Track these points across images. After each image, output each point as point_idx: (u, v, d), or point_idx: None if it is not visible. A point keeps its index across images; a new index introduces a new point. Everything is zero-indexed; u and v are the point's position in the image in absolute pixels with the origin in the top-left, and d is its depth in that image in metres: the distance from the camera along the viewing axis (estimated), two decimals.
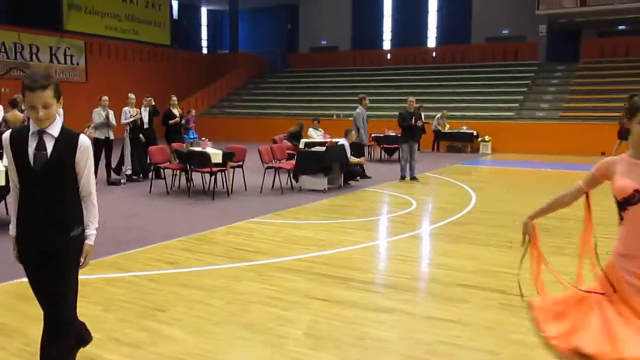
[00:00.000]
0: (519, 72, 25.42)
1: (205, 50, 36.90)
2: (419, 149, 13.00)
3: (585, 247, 2.80)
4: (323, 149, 11.15)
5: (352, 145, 11.59)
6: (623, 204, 2.57)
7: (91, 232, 2.90)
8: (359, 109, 12.82)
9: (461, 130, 20.82)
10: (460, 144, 21.03)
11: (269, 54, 34.10)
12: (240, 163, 10.68)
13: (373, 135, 17.16)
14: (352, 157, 11.44)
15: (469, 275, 5.41)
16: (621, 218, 2.62)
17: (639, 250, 2.55)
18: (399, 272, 5.58)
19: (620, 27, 28.40)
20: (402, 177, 12.35)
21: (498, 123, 21.68)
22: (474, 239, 6.92)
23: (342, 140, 11.62)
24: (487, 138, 20.50)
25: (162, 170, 11.38)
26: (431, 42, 32.70)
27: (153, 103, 12.29)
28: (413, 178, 12.38)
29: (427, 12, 32.93)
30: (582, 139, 19.73)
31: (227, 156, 10.19)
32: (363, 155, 12.76)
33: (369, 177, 12.42)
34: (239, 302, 4.62)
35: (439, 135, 20.97)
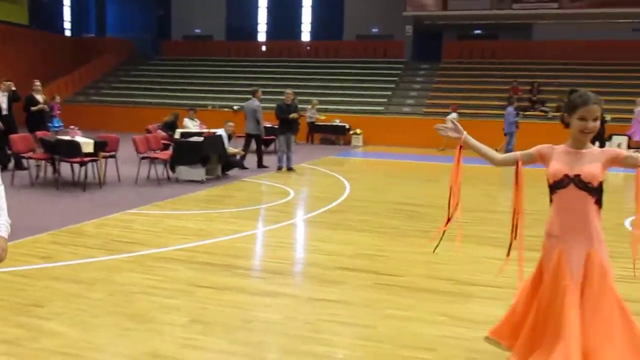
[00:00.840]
0: (387, 70, 26.76)
1: (68, 33, 34.50)
2: (295, 141, 13.33)
3: (518, 216, 3.10)
4: (200, 139, 11.07)
5: (251, 136, 11.80)
6: (553, 187, 2.92)
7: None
8: (256, 102, 13.07)
9: (334, 123, 21.55)
10: (333, 136, 21.76)
11: (139, 40, 32.69)
12: (113, 153, 10.28)
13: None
14: (230, 148, 11.49)
15: (345, 259, 5.75)
16: (551, 200, 2.96)
17: (560, 231, 2.90)
18: (281, 258, 5.79)
19: (476, 31, 30.95)
20: (279, 168, 12.61)
21: (368, 117, 22.73)
22: (349, 226, 7.32)
23: (220, 131, 11.60)
24: (358, 131, 21.42)
25: (25, 161, 10.62)
26: (305, 36, 33.37)
27: (13, 88, 11.40)
28: (290, 169, 12.67)
29: (301, 6, 33.53)
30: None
31: (99, 146, 9.77)
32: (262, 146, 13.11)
33: (246, 168, 12.53)
34: (121, 294, 4.55)
35: (313, 128, 21.53)
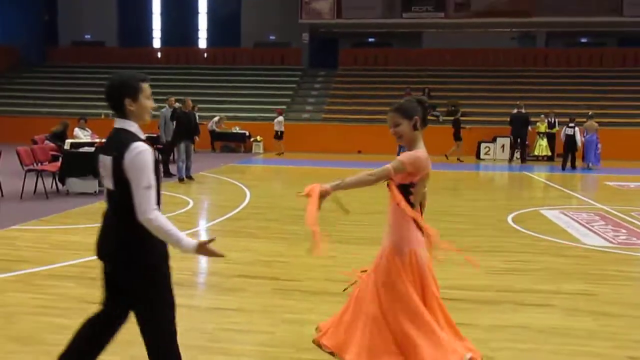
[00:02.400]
0: (286, 77, 27.01)
1: None
2: (194, 149, 13.11)
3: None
4: (92, 149, 10.61)
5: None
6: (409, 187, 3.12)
7: None
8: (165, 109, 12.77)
9: (234, 131, 21.42)
10: (234, 143, 21.62)
11: (23, 46, 30.67)
12: None
13: (146, 135, 16.75)
14: None
15: (245, 266, 5.77)
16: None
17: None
18: (181, 269, 5.67)
19: (370, 39, 32.02)
20: (181, 179, 12.29)
21: (268, 124, 22.78)
22: (249, 233, 7.34)
23: None
24: (259, 138, 21.43)
25: None
26: (202, 43, 32.94)
27: None
28: (189, 177, 12.45)
29: (197, 12, 33.08)
30: (342, 139, 21.82)
31: None
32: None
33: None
34: (3, 315, 4.29)
35: (214, 136, 21.28)
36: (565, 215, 8.90)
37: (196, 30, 33.29)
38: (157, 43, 33.21)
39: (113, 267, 2.71)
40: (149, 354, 2.73)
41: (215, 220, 8.18)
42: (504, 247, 6.84)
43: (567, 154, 16.92)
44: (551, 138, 19.46)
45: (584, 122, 17.62)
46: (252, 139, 21.52)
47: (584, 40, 30.00)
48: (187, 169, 12.54)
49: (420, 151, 3.11)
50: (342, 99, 24.88)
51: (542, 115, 19.49)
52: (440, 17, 26.67)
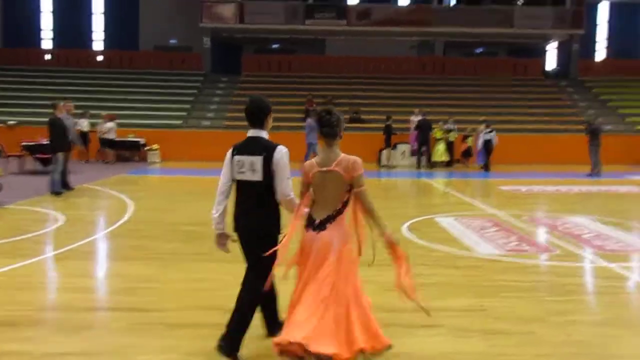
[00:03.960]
0: (186, 82, 25.96)
1: None
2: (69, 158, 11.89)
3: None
4: None
5: None
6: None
7: None
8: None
9: (128, 139, 20.17)
10: (128, 152, 20.35)
11: None
12: None
13: (23, 143, 15.34)
14: None
15: (104, 296, 5.06)
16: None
17: (315, 211, 3.68)
18: (20, 304, 4.84)
19: (274, 46, 31.62)
20: (57, 193, 11.13)
21: (167, 131, 21.71)
22: (120, 254, 6.58)
23: None
24: (155, 146, 20.30)
25: None
26: (98, 45, 31.10)
27: None
28: (67, 188, 11.35)
29: (91, 13, 31.22)
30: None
31: None
32: None
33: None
34: None
35: (106, 144, 19.90)
36: (460, 222, 8.80)
37: (90, 31, 31.38)
38: (47, 44, 30.94)
39: (255, 233, 3.74)
40: (249, 282, 3.85)
41: (83, 240, 7.26)
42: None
43: (487, 157, 18.48)
44: (449, 144, 19.86)
45: (478, 127, 18.30)
46: (147, 148, 20.34)
47: (478, 50, 31.26)
48: (65, 180, 11.47)
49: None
50: (244, 105, 24.14)
51: (440, 122, 19.85)
52: (343, 24, 26.68)
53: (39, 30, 30.93)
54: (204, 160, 20.28)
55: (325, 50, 29.72)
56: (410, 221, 8.76)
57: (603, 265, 6.31)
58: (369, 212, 3.59)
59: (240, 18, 26.65)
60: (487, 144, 18.62)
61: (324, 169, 3.58)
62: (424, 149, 19.32)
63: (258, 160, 3.66)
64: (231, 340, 3.67)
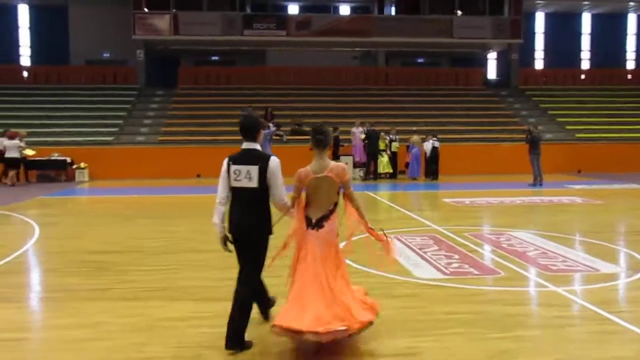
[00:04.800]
0: (119, 96, 24.66)
1: None
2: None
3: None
4: None
5: None
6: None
7: None
8: None
9: (52, 158, 18.79)
10: (53, 172, 18.95)
11: None
12: None
13: None
14: None
15: None
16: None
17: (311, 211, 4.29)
18: None
19: (214, 58, 30.65)
20: None
21: (97, 148, 20.40)
22: (1, 295, 5.54)
23: None
24: (82, 165, 18.99)
25: None
26: (25, 60, 29.38)
27: None
28: None
29: (17, 27, 29.48)
30: (180, 162, 20.10)
31: None
32: None
33: None
34: None
35: (28, 164, 18.46)
36: (400, 239, 8.15)
37: (17, 46, 29.61)
38: None
39: (250, 233, 4.22)
40: (245, 276, 4.28)
41: None
42: None
43: (433, 166, 18.63)
44: (393, 155, 19.42)
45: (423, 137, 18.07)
46: (74, 166, 19.00)
47: (420, 60, 31.22)
48: None
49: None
50: (180, 120, 23.14)
51: (382, 133, 19.39)
52: (282, 35, 26.02)
53: None
54: (136, 178, 19.16)
55: (266, 61, 28.97)
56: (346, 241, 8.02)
57: (550, 290, 5.73)
58: (358, 209, 4.37)
59: (175, 29, 25.59)
60: (435, 152, 18.67)
61: (319, 175, 4.20)
62: (372, 162, 18.87)
63: (254, 169, 4.13)
64: (237, 333, 4.10)
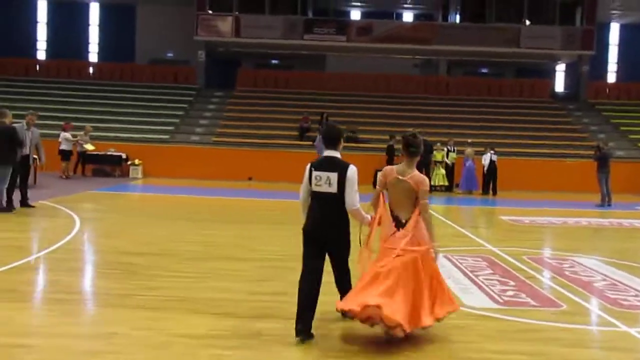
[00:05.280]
0: (178, 96, 24.94)
1: None
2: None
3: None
4: None
5: None
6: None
7: None
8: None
9: (108, 153, 19.06)
10: (108, 167, 19.23)
11: None
12: None
13: None
14: None
15: None
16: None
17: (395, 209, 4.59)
18: None
19: (274, 61, 30.63)
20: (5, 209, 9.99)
21: (152, 146, 20.58)
22: (20, 293, 5.31)
23: None
24: (137, 161, 19.17)
25: None
26: (93, 57, 30.22)
27: None
28: (25, 205, 10.30)
29: (88, 25, 30.37)
30: (233, 164, 19.99)
31: None
32: None
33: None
34: None
35: (86, 158, 18.80)
36: (450, 259, 7.53)
37: (87, 43, 30.52)
38: (41, 55, 30.13)
39: (331, 237, 4.52)
40: (340, 274, 4.72)
41: None
42: None
43: (490, 180, 17.98)
44: (449, 167, 18.63)
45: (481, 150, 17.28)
46: (129, 162, 19.21)
47: (483, 70, 30.12)
48: (22, 195, 10.38)
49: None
50: (236, 122, 23.10)
51: (439, 144, 18.64)
52: (342, 40, 25.64)
53: (35, 41, 30.14)
54: (188, 178, 19.18)
55: (325, 66, 28.66)
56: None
57: (621, 330, 4.99)
58: (426, 221, 4.62)
59: (237, 32, 25.67)
60: (492, 165, 17.97)
61: (400, 177, 4.50)
62: (423, 172, 18.10)
63: (334, 176, 4.40)
64: (306, 322, 4.36)
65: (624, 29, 29.96)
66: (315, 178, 4.44)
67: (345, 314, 4.47)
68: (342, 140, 4.64)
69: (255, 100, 24.77)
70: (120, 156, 19.09)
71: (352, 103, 24.30)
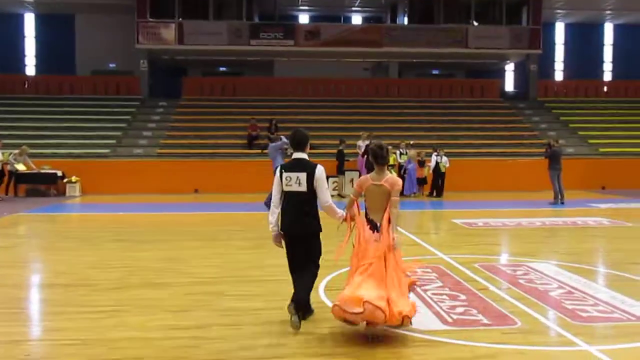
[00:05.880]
0: (121, 107, 23.80)
1: None
2: None
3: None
4: None
5: None
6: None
7: None
8: None
9: (42, 171, 17.88)
10: (42, 186, 18.03)
11: None
12: None
13: None
14: None
15: None
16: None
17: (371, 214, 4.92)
18: None
19: (222, 68, 29.76)
20: None
21: (92, 161, 19.48)
22: None
23: None
24: (74, 179, 18.02)
25: None
26: (30, 70, 28.71)
27: None
28: None
29: (23, 36, 28.86)
30: (177, 176, 19.08)
31: None
32: None
33: None
34: None
35: (18, 177, 17.57)
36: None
37: (22, 55, 28.97)
38: None
39: (304, 232, 4.96)
40: (306, 272, 5.01)
41: None
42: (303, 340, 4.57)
43: (437, 182, 17.81)
44: (401, 170, 18.21)
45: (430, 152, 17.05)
46: (65, 180, 18.06)
47: (434, 72, 30.00)
48: None
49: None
50: (182, 132, 22.17)
51: (390, 147, 18.15)
52: (290, 45, 25.02)
53: None
54: (129, 193, 18.17)
55: (274, 72, 27.99)
56: (333, 274, 6.84)
57: (581, 349, 4.46)
58: (393, 215, 4.80)
59: (180, 39, 24.74)
60: (438, 167, 17.86)
61: (376, 182, 4.86)
62: None
63: (303, 176, 4.84)
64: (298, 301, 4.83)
65: (569, 27, 30.35)
66: (286, 179, 4.88)
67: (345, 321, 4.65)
68: (309, 144, 5.05)
69: (201, 109, 23.90)
70: (55, 174, 17.91)
71: (302, 108, 23.68)
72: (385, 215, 4.80)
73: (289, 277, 5.18)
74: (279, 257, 7.92)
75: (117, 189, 18.53)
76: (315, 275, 5.03)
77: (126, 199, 16.96)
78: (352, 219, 5.01)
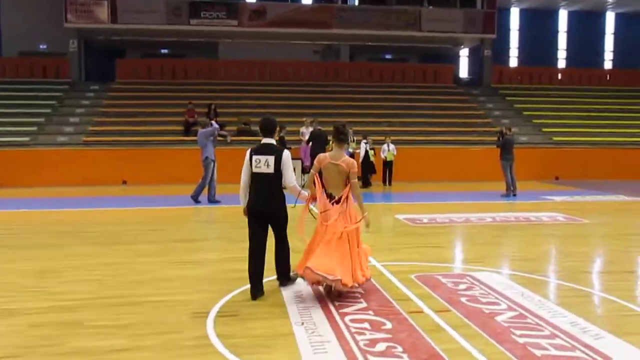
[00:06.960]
0: (46, 92, 21.73)
1: None
2: None
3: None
4: None
5: None
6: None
7: None
8: None
9: None
10: None
11: None
12: None
13: None
14: None
15: None
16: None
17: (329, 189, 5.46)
18: None
19: (163, 50, 27.92)
20: None
21: (8, 151, 17.55)
22: None
23: None
24: None
25: None
26: None
27: None
28: None
29: None
30: (105, 167, 17.40)
31: None
32: None
33: None
34: None
35: None
36: (312, 291, 5.66)
37: None
38: None
39: (271, 210, 5.43)
40: (279, 246, 5.61)
41: None
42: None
43: (366, 172, 16.71)
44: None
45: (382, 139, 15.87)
46: None
47: (387, 56, 28.88)
48: None
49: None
50: (112, 117, 20.36)
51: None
52: (233, 25, 23.41)
53: None
54: (51, 186, 16.41)
55: (218, 54, 26.35)
56: (235, 292, 5.51)
57: None
58: (357, 197, 5.41)
59: (113, 17, 22.81)
60: (367, 156, 16.97)
61: (334, 162, 5.35)
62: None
63: (271, 158, 5.35)
64: (283, 274, 5.71)
65: (524, 13, 29.68)
66: (255, 161, 5.35)
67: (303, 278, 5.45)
68: (277, 130, 5.60)
69: (136, 93, 22.10)
70: None
71: (246, 92, 22.19)
72: (344, 195, 5.34)
73: (182, 299, 5.35)
74: (185, 266, 6.69)
75: (37, 181, 16.79)
76: (287, 246, 5.57)
77: (45, 192, 15.23)
78: (314, 198, 5.51)
